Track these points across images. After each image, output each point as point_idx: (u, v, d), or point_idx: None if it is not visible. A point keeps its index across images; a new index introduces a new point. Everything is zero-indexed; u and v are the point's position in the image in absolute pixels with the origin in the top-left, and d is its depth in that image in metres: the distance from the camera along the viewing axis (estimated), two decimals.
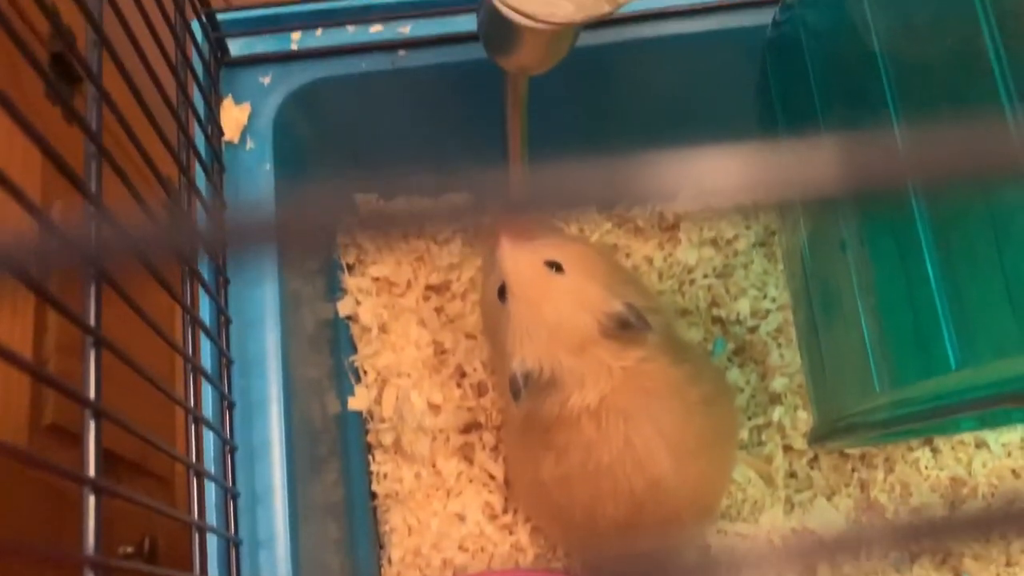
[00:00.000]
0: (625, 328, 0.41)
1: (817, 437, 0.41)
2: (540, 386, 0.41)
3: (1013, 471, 0.52)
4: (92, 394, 0.26)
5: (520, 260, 0.42)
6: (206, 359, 0.38)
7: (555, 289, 0.41)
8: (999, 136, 0.10)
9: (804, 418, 0.55)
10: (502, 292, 0.42)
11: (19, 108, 0.24)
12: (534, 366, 0.41)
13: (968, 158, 0.11)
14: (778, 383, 0.56)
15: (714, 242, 0.59)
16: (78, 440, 0.26)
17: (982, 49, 0.30)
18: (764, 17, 0.44)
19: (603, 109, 0.52)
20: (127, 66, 0.31)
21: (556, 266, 0.42)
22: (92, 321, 0.27)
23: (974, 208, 0.30)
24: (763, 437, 0.55)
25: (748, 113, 0.45)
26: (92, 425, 0.26)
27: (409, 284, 0.55)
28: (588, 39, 0.44)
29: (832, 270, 0.39)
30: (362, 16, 0.45)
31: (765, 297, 0.59)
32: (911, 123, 0.33)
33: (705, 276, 0.59)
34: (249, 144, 0.44)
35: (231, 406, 0.39)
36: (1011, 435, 0.53)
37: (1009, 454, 0.53)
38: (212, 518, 0.37)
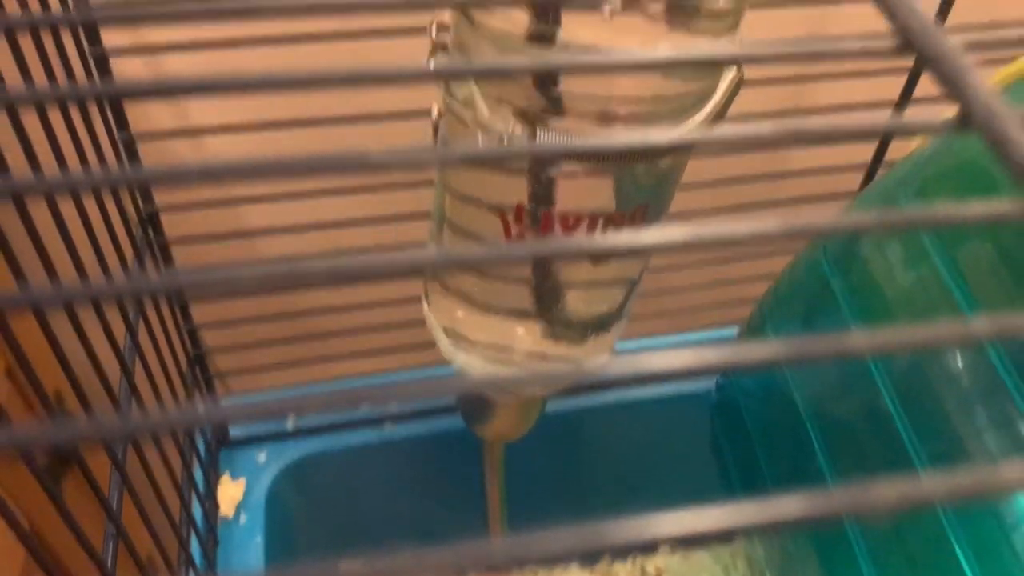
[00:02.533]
0: None
1: None
2: None
3: None
4: None
5: None
6: None
7: None
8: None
9: None
10: None
11: (60, 499, 0.29)
12: None
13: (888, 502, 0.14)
14: None
15: None
16: None
17: (884, 406, 0.36)
18: (709, 383, 0.51)
19: (575, 467, 0.57)
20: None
21: None
22: None
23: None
24: None
25: (707, 465, 0.51)
26: None
27: None
28: (555, 407, 0.51)
29: None
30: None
31: None
32: (839, 469, 0.38)
33: None
34: (243, 519, 0.48)
35: None
36: None
37: None
38: None
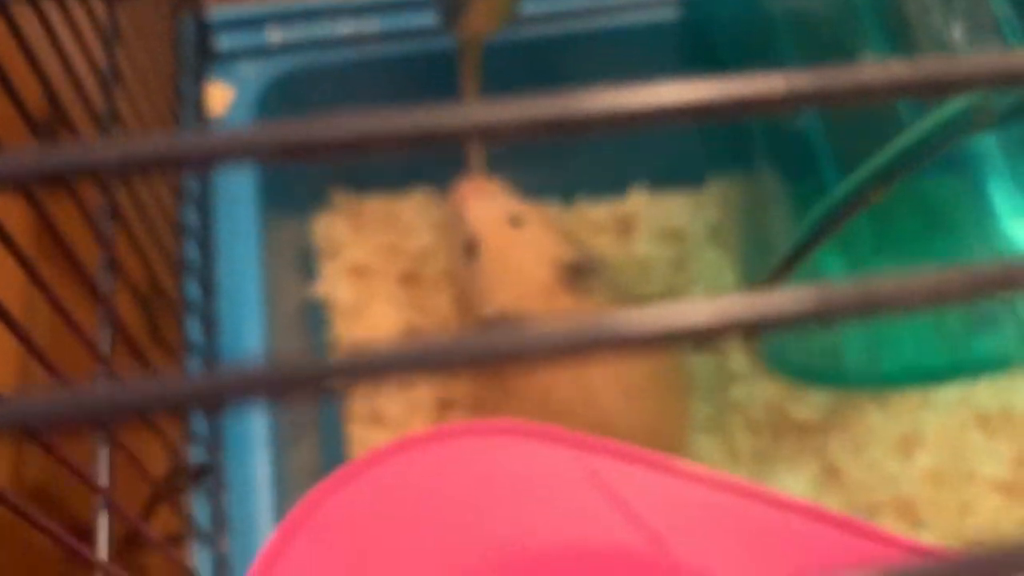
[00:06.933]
0: (580, 275, 0.50)
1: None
2: None
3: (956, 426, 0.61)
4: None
5: (486, 212, 0.50)
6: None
7: (518, 241, 0.50)
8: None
9: (762, 390, 0.63)
10: (468, 248, 0.50)
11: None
12: (504, 312, 0.48)
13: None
14: (736, 361, 0.64)
15: (669, 234, 0.68)
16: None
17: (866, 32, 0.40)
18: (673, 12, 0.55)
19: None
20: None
21: (516, 221, 0.51)
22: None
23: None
24: (723, 415, 0.63)
25: None
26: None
27: (382, 273, 0.63)
28: (524, 35, 0.55)
29: None
30: (335, 14, 0.55)
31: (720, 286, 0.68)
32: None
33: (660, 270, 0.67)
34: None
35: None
36: (951, 394, 0.62)
37: (950, 411, 0.61)
38: None
